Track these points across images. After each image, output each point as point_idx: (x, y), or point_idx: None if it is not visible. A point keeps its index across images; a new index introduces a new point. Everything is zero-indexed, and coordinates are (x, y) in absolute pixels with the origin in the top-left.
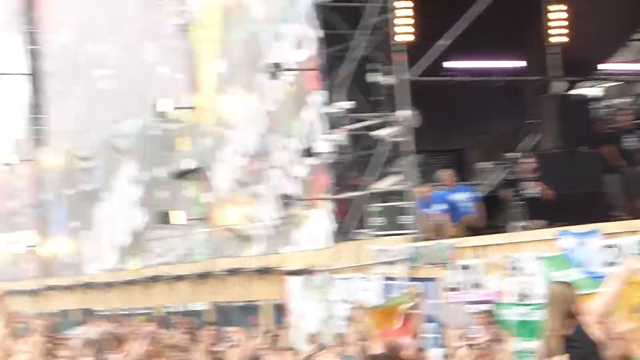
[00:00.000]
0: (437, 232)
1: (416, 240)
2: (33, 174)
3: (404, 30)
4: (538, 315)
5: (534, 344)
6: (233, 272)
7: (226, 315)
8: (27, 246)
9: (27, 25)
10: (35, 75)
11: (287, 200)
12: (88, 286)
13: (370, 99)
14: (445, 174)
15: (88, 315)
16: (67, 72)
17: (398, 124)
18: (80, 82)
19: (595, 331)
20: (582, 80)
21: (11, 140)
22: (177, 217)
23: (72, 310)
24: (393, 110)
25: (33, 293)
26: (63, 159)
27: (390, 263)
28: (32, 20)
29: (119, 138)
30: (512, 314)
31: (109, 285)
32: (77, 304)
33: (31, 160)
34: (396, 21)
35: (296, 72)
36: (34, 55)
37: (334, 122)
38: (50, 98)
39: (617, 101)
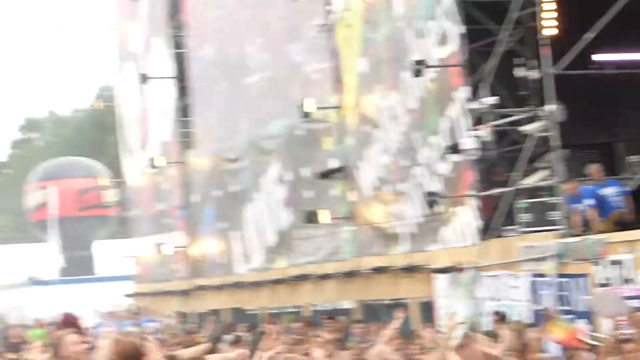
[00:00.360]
0: (586, 228)
1: (565, 236)
2: (181, 176)
3: (549, 23)
4: None
5: None
6: (379, 270)
7: (373, 313)
8: (177, 247)
9: (173, 29)
10: (181, 79)
11: (432, 198)
12: (237, 286)
13: (515, 94)
14: (594, 169)
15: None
16: (213, 74)
17: (544, 119)
18: (226, 84)
19: None
20: None
21: (159, 143)
22: (323, 216)
23: (223, 309)
24: (539, 104)
25: (184, 293)
26: (210, 161)
27: (539, 260)
28: (177, 24)
29: (265, 139)
30: None
31: (257, 284)
32: (227, 303)
33: (179, 163)
34: (541, 15)
35: (439, 69)
36: (180, 58)
37: (479, 118)
38: (196, 100)
39: None
